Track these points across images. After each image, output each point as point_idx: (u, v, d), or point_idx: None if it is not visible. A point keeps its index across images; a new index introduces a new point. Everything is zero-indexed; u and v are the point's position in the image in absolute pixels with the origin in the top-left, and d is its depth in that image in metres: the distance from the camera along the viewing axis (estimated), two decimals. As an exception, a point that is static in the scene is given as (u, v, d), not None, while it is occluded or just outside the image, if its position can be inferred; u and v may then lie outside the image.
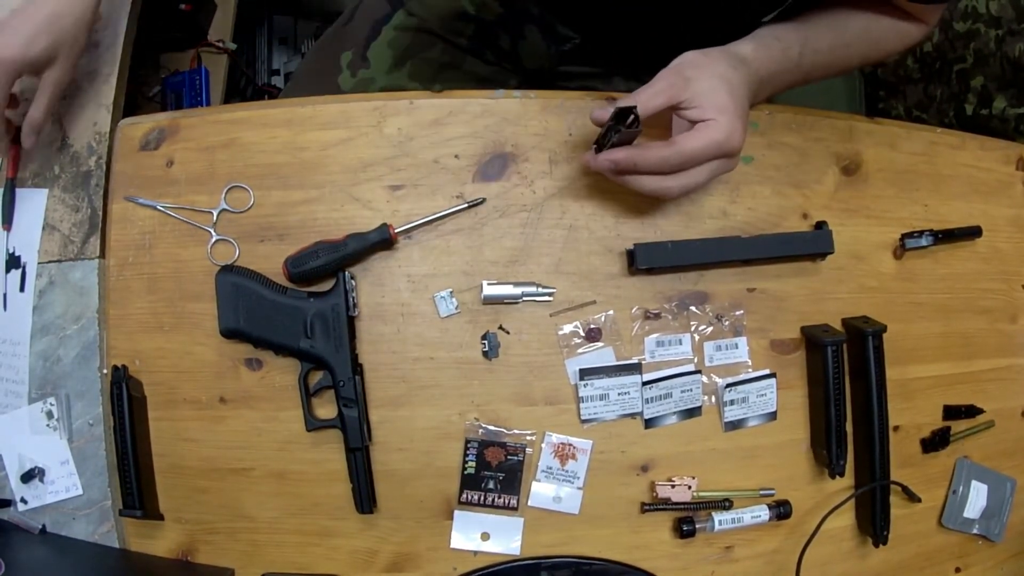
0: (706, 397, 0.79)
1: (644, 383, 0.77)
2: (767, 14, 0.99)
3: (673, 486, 0.77)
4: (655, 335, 0.78)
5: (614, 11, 0.92)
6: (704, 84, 0.66)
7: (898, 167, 0.86)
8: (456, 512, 0.76)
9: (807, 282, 0.82)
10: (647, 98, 0.65)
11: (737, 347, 0.80)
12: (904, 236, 0.84)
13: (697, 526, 0.77)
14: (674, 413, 0.78)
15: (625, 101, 0.64)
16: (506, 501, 0.76)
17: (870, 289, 0.83)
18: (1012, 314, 0.88)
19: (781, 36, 0.76)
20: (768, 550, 0.80)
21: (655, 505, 0.77)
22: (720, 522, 0.77)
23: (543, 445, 0.77)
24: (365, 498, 0.73)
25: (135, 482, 0.71)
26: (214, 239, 0.75)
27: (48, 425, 0.75)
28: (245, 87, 1.65)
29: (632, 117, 0.62)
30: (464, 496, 0.76)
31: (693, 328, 0.79)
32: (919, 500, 0.82)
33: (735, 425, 0.79)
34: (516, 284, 0.76)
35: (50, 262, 0.77)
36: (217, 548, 0.75)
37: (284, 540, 0.76)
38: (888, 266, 0.84)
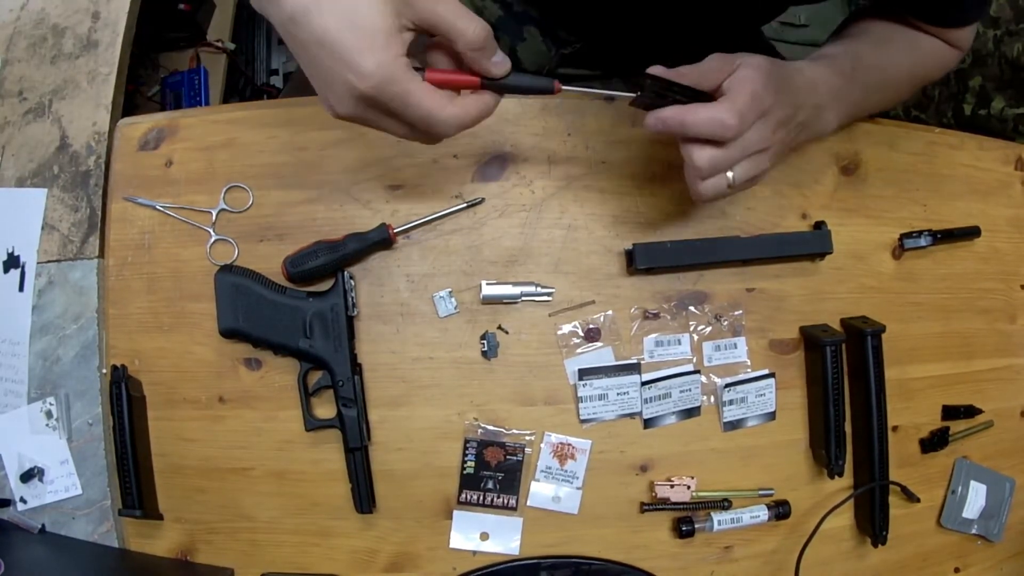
0: (705, 397, 0.79)
1: (643, 383, 0.77)
2: (767, 21, 0.99)
3: (672, 486, 0.77)
4: (654, 335, 0.78)
5: (614, 16, 0.92)
6: (751, 63, 0.63)
7: (897, 167, 0.86)
8: (455, 512, 0.76)
9: (806, 282, 0.82)
10: (696, 77, 0.62)
11: (736, 347, 0.80)
12: (903, 236, 0.84)
13: (696, 526, 0.77)
14: (673, 413, 0.78)
15: (667, 74, 0.61)
16: (505, 501, 0.76)
17: (869, 289, 0.83)
18: (1011, 314, 0.88)
19: (827, 53, 0.76)
20: (767, 550, 0.80)
21: (654, 505, 0.77)
22: (719, 522, 0.77)
23: (542, 445, 0.77)
24: (364, 498, 0.73)
25: (134, 482, 0.71)
26: (213, 239, 0.76)
27: (47, 425, 0.75)
28: (244, 87, 1.65)
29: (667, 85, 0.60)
30: (463, 496, 0.76)
31: (692, 328, 0.79)
32: (918, 500, 0.82)
33: (734, 425, 0.79)
34: (515, 284, 0.76)
35: (49, 262, 0.77)
36: (216, 548, 0.75)
37: (283, 540, 0.76)
38: (887, 266, 0.84)
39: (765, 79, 0.61)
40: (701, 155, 0.60)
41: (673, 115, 0.60)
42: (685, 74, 0.61)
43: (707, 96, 0.61)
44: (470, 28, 0.53)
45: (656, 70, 0.60)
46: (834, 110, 0.73)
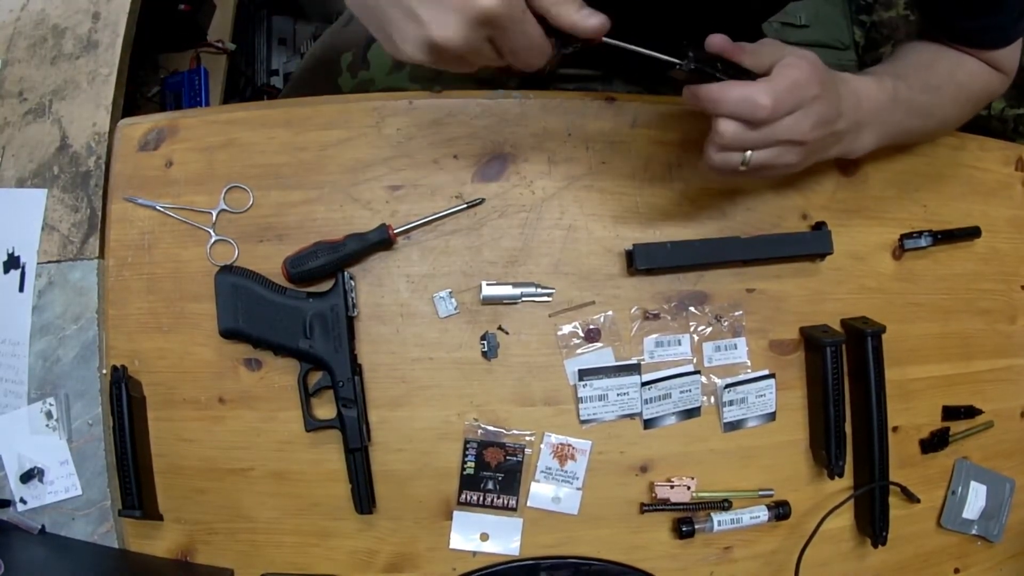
0: (705, 398, 0.79)
1: (643, 384, 0.77)
2: (766, 18, 0.98)
3: (672, 487, 0.77)
4: (654, 335, 0.78)
5: (614, 17, 0.92)
6: (801, 52, 0.62)
7: (897, 168, 0.86)
8: (455, 512, 0.76)
9: (806, 283, 0.82)
10: (749, 55, 0.61)
11: (736, 348, 0.80)
12: (903, 237, 0.84)
13: (696, 527, 0.77)
14: (673, 414, 0.78)
15: (726, 47, 0.59)
16: (505, 502, 0.76)
17: (869, 290, 0.83)
18: (1011, 315, 0.88)
19: (872, 71, 0.75)
20: (767, 551, 0.80)
21: (654, 506, 0.77)
22: (719, 523, 0.77)
23: (542, 446, 0.77)
24: (364, 498, 0.73)
25: (134, 482, 0.71)
26: (213, 239, 0.76)
27: (47, 425, 0.75)
28: (244, 87, 1.65)
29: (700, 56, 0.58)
30: (463, 496, 0.76)
31: (692, 328, 0.79)
32: (918, 501, 0.82)
33: (734, 426, 0.79)
34: (515, 284, 0.76)
35: (49, 262, 0.77)
36: (216, 548, 0.75)
37: (283, 540, 0.76)
38: (887, 267, 0.84)
39: (811, 70, 0.60)
40: (727, 126, 0.59)
41: (707, 91, 0.59)
42: (744, 48, 0.60)
43: (750, 76, 0.60)
44: None
45: (717, 40, 0.58)
46: (873, 130, 0.72)
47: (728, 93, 0.58)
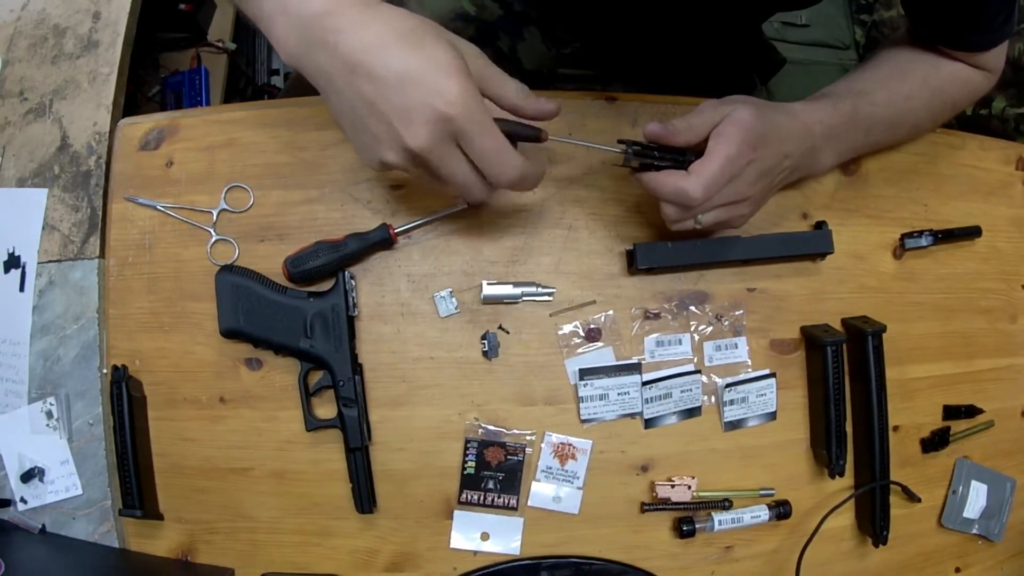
0: (706, 397, 0.79)
1: (644, 383, 0.77)
2: (763, 20, 0.98)
3: (673, 486, 0.77)
4: (655, 335, 0.78)
5: (613, 17, 0.92)
6: (735, 118, 0.65)
7: (898, 167, 0.86)
8: (456, 512, 0.76)
9: (807, 282, 0.82)
10: (685, 132, 0.65)
11: (737, 347, 0.80)
12: (904, 236, 0.84)
13: (697, 526, 0.77)
14: (674, 413, 0.78)
15: (659, 134, 0.64)
16: (506, 501, 0.76)
17: (870, 289, 0.83)
18: (1012, 314, 0.88)
19: (831, 92, 0.76)
20: (768, 550, 0.80)
21: (655, 505, 0.77)
22: (720, 522, 0.77)
23: (543, 445, 0.77)
24: (365, 498, 0.73)
25: (135, 482, 0.71)
26: (214, 239, 0.76)
27: (48, 425, 0.75)
28: (245, 87, 1.65)
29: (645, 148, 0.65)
30: (464, 496, 0.76)
31: (693, 328, 0.79)
32: (919, 500, 0.82)
33: (735, 425, 0.79)
34: (516, 284, 0.76)
35: (50, 262, 0.77)
36: (217, 548, 0.75)
37: (284, 540, 0.76)
38: (888, 266, 0.84)
39: (742, 138, 0.64)
40: (668, 208, 0.66)
41: (648, 181, 0.65)
42: (676, 129, 0.64)
43: (686, 154, 0.65)
44: (514, 81, 0.58)
45: (652, 128, 0.63)
46: (831, 150, 0.75)
47: (663, 186, 0.64)
